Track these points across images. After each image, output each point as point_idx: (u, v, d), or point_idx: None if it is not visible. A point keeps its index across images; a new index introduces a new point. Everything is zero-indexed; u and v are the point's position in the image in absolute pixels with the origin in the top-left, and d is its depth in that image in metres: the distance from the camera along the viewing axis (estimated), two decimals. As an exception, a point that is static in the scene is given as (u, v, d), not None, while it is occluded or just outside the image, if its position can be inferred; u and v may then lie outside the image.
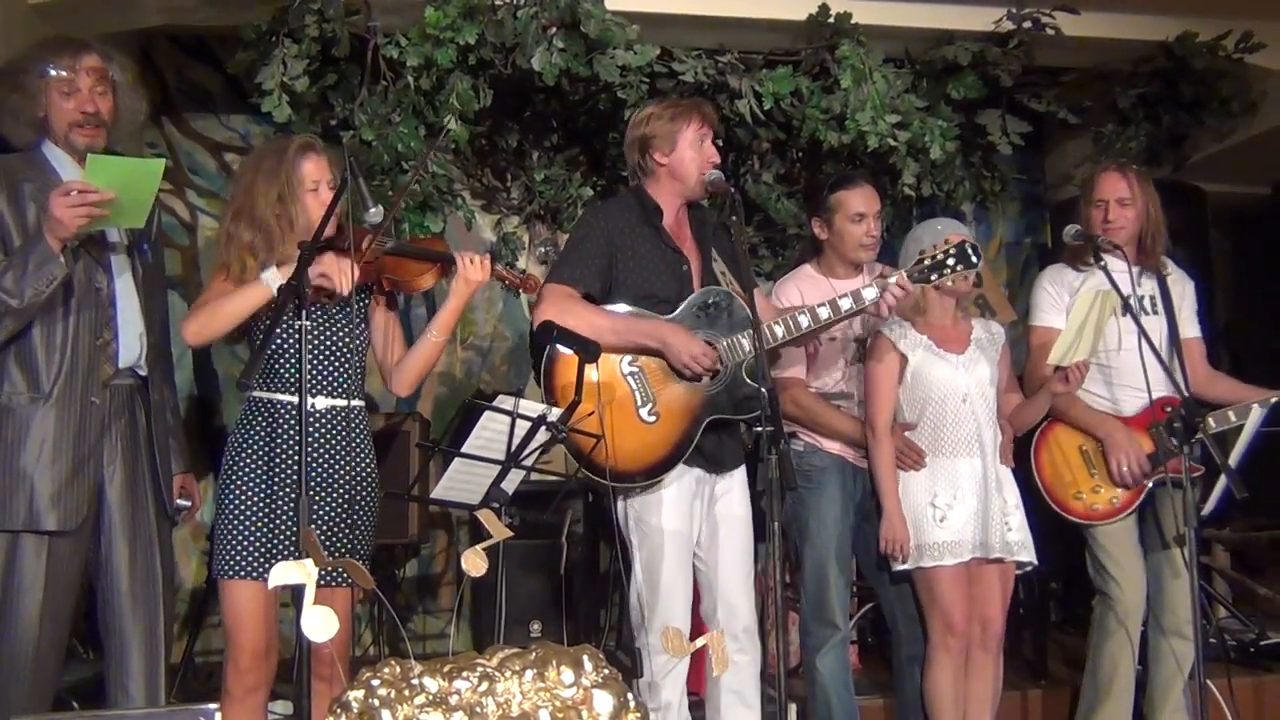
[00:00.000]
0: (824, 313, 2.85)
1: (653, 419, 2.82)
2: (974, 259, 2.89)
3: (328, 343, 2.59)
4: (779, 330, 2.83)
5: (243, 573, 2.47)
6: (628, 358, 2.84)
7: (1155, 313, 3.37)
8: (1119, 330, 3.27)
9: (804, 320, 2.84)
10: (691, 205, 3.03)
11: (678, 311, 2.87)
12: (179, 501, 2.83)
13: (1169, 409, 3.18)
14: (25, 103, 2.61)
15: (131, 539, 2.66)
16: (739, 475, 2.98)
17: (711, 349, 2.81)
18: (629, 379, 2.83)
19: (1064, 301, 3.37)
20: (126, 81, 2.71)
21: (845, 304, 2.86)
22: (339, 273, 2.45)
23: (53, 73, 2.59)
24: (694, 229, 3.02)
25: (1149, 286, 3.38)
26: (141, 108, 2.78)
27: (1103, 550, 3.29)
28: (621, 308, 2.86)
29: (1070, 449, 3.33)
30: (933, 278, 2.89)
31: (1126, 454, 3.22)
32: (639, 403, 2.82)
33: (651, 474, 2.80)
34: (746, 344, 2.81)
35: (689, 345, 2.79)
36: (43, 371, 2.56)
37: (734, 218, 2.75)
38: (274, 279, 2.44)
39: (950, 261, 2.88)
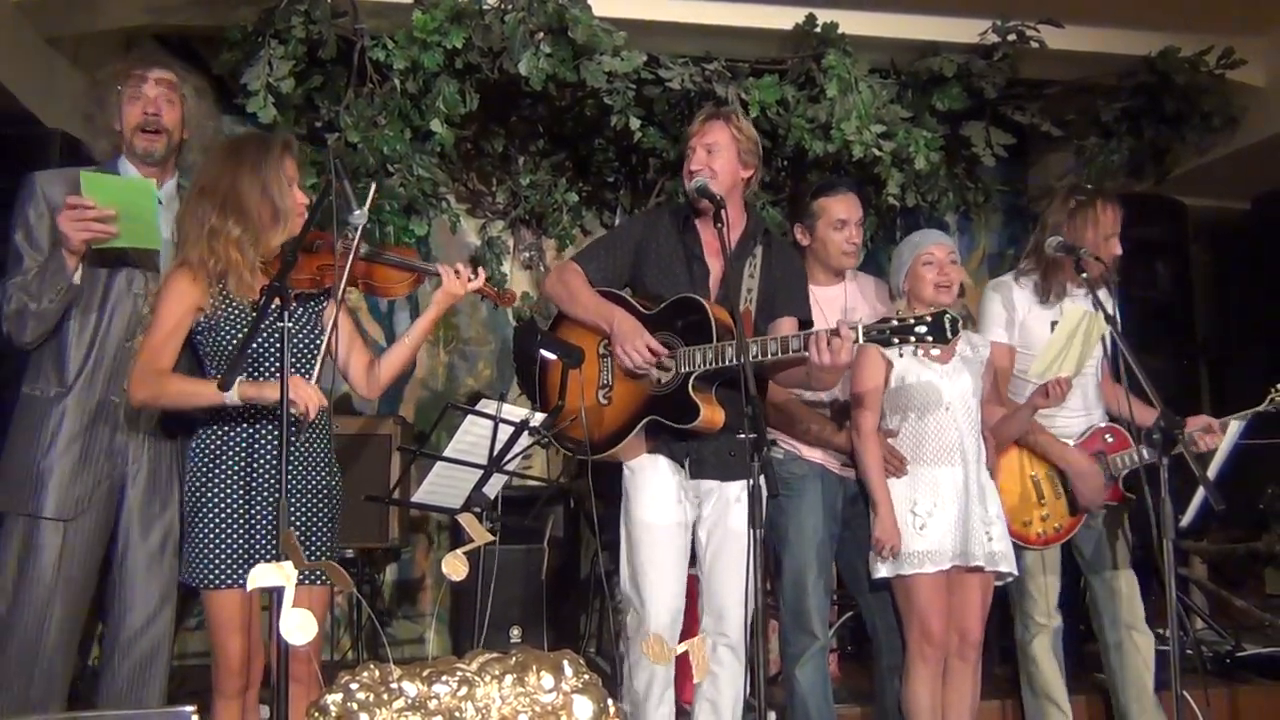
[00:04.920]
0: (772, 347, 2.76)
1: (605, 401, 2.95)
2: (949, 335, 2.59)
3: (297, 343, 2.56)
4: (729, 354, 2.76)
5: (227, 582, 2.45)
6: (604, 341, 2.96)
7: None
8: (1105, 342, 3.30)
9: (753, 349, 2.76)
10: (750, 215, 3.07)
11: (656, 310, 2.92)
12: None
13: (1110, 437, 3.37)
14: (102, 114, 2.74)
15: (147, 541, 2.69)
16: (740, 487, 2.90)
17: (660, 351, 2.84)
18: (600, 360, 2.97)
19: (1016, 319, 3.40)
20: (202, 106, 2.84)
21: (794, 344, 2.73)
22: (304, 399, 2.37)
23: (126, 78, 2.73)
24: (741, 240, 3.01)
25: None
26: (211, 126, 2.88)
27: (1026, 570, 3.35)
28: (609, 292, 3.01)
29: (1022, 476, 3.38)
30: (895, 340, 2.62)
31: (1089, 483, 3.31)
32: (600, 383, 2.95)
33: (595, 450, 2.91)
34: (699, 356, 2.80)
35: (629, 336, 2.85)
36: (70, 367, 2.66)
37: (719, 225, 2.76)
38: (233, 394, 2.38)
39: (920, 330, 2.60)
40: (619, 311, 2.92)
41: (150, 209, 2.59)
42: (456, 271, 2.67)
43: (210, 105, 2.88)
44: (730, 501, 2.92)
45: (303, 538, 2.53)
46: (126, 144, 2.75)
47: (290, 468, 2.51)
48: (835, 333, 2.63)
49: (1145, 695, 3.34)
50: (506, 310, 4.98)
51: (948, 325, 2.60)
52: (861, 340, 2.66)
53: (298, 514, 2.53)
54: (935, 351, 2.71)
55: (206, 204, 2.51)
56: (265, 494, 2.48)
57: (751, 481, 2.35)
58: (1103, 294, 3.23)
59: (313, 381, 2.41)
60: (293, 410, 2.35)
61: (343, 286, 2.45)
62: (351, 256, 2.43)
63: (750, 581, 2.32)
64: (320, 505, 2.58)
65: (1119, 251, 3.36)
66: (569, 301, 3.01)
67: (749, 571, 2.32)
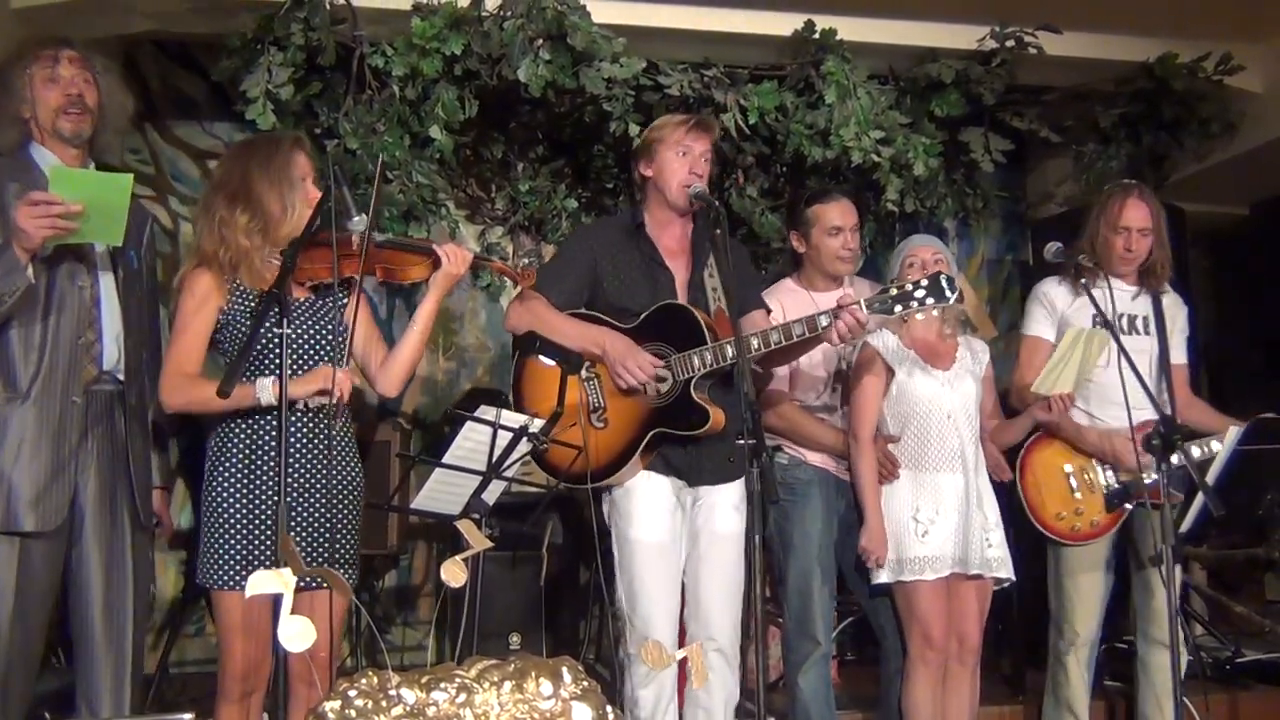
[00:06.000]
0: (775, 337, 2.78)
1: (601, 425, 2.88)
2: (948, 293, 2.68)
3: (308, 336, 2.58)
4: (729, 351, 2.77)
5: (233, 583, 2.45)
6: (587, 364, 2.91)
7: (1148, 333, 3.39)
8: (1110, 349, 3.28)
9: (754, 342, 2.77)
10: (697, 216, 3.03)
11: (636, 322, 2.89)
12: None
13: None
14: (10, 100, 2.60)
15: (104, 547, 2.63)
16: (730, 490, 2.94)
17: (656, 362, 2.82)
18: (586, 384, 2.89)
19: (1055, 315, 3.39)
20: (111, 82, 2.72)
21: (798, 329, 2.77)
22: (337, 384, 2.45)
23: (35, 60, 2.60)
24: (694, 243, 3.01)
25: (1143, 307, 3.40)
26: (128, 103, 2.77)
27: (1067, 569, 3.32)
28: (584, 314, 2.95)
29: (1055, 470, 3.34)
30: (896, 309, 2.72)
31: (1114, 452, 3.26)
32: (591, 408, 2.88)
33: (594, 478, 2.85)
34: (696, 360, 2.80)
35: (626, 355, 2.82)
36: (20, 372, 2.53)
37: (718, 230, 2.76)
38: (267, 391, 2.43)
39: (919, 294, 2.70)
40: (607, 333, 2.87)
41: (122, 205, 2.45)
42: (450, 253, 2.65)
43: (119, 82, 2.76)
44: (715, 505, 2.91)
45: (325, 535, 2.54)
46: (45, 128, 2.61)
47: (312, 463, 2.54)
48: (837, 310, 2.70)
49: (1166, 700, 3.25)
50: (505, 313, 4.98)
51: (944, 284, 2.68)
52: (865, 311, 2.71)
53: (319, 510, 2.54)
54: (935, 313, 2.77)
55: (218, 197, 2.57)
56: (272, 490, 2.46)
57: (748, 486, 2.34)
58: (1100, 295, 3.22)
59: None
60: (328, 399, 2.45)
61: (360, 275, 2.51)
62: (366, 245, 2.47)
63: (754, 587, 2.32)
64: (344, 501, 2.58)
65: (1136, 249, 3.33)
66: (545, 333, 2.92)
67: (752, 576, 2.31)
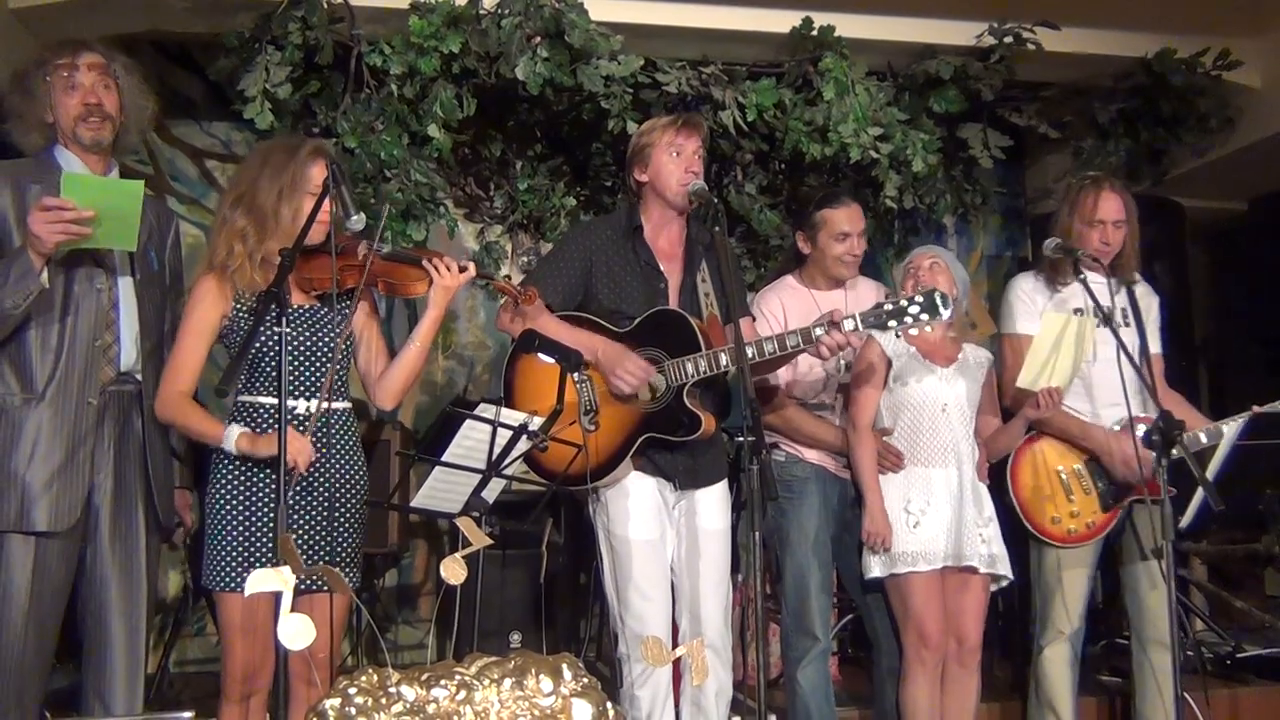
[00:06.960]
0: (769, 347, 2.79)
1: (592, 428, 2.87)
2: (942, 310, 2.74)
3: (311, 344, 2.57)
4: (723, 359, 2.78)
5: (234, 584, 2.45)
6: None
7: (1127, 325, 3.38)
8: (1095, 342, 3.28)
9: (750, 352, 2.76)
10: (690, 221, 3.02)
11: (630, 327, 2.88)
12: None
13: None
14: (32, 105, 2.62)
15: (117, 547, 2.63)
16: (718, 489, 2.96)
17: (650, 368, 2.82)
18: (579, 387, 2.88)
19: (1038, 308, 3.36)
20: (132, 82, 2.73)
21: (792, 340, 2.78)
22: (294, 453, 2.40)
23: (54, 68, 2.61)
24: (687, 246, 3.01)
25: (1121, 299, 3.40)
26: (148, 105, 2.78)
27: (1053, 565, 3.30)
28: (576, 316, 2.93)
29: (1048, 472, 3.31)
30: (890, 323, 2.76)
31: (1124, 462, 3.20)
32: (583, 410, 2.87)
33: (582, 480, 2.83)
34: (690, 367, 2.80)
35: (618, 361, 2.81)
36: (36, 372, 2.55)
37: (717, 229, 2.76)
38: (231, 441, 2.45)
39: (913, 311, 2.75)
40: (600, 339, 2.86)
41: (134, 210, 2.47)
42: (443, 267, 2.64)
43: (140, 81, 2.76)
44: (699, 502, 2.92)
45: (325, 535, 2.54)
46: (66, 134, 2.63)
47: (313, 463, 2.52)
48: (833, 324, 2.72)
49: (1163, 700, 3.25)
50: (497, 314, 4.98)
51: (938, 300, 2.73)
52: (860, 327, 2.74)
53: (320, 510, 2.53)
54: (929, 329, 2.82)
55: (226, 200, 2.58)
56: (271, 491, 2.46)
57: (747, 483, 2.34)
58: (1100, 288, 3.21)
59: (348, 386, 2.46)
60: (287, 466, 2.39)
61: (359, 287, 2.51)
62: (370, 257, 2.48)
63: (754, 584, 2.32)
64: (346, 500, 2.59)
65: (1112, 241, 3.31)
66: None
67: (755, 574, 2.31)
